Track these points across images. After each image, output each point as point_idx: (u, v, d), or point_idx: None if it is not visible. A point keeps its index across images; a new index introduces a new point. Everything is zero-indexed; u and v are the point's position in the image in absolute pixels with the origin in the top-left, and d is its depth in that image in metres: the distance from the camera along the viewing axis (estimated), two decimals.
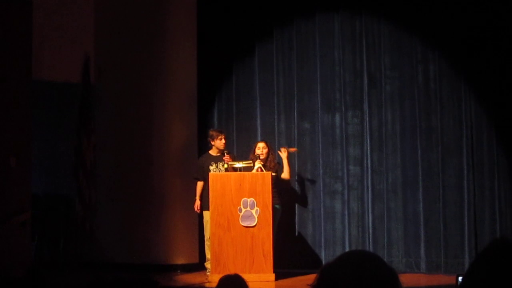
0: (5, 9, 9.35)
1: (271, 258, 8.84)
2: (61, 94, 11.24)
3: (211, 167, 9.49)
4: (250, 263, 8.85)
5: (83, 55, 10.76)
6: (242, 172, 9.35)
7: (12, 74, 9.41)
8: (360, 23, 10.21)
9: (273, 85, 10.55)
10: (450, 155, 9.74)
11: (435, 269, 9.66)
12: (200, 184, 9.56)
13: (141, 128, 10.59)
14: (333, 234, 10.17)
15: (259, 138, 10.15)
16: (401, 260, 9.80)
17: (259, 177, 9.04)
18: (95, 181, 10.66)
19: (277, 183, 9.48)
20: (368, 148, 10.09)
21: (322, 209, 10.19)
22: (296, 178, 10.29)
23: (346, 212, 10.11)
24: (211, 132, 9.70)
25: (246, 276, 4.61)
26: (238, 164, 9.58)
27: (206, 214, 9.30)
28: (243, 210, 8.91)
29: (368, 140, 10.09)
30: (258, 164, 9.34)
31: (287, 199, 9.93)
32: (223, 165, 9.48)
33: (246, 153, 9.87)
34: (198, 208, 9.51)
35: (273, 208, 9.06)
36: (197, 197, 9.53)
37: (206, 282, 9.07)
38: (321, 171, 10.23)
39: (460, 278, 4.16)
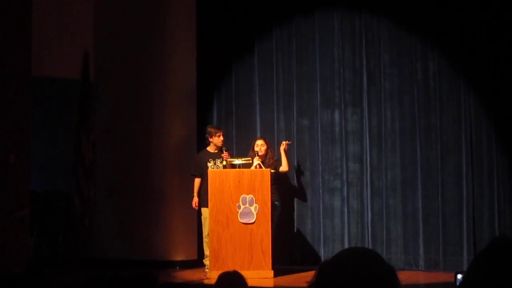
0: (5, 6, 9.35)
1: (270, 254, 8.85)
2: (61, 91, 11.24)
3: (209, 164, 9.49)
4: (249, 259, 8.86)
5: (82, 52, 10.75)
6: (241, 169, 9.35)
7: (12, 71, 9.41)
8: (359, 21, 10.21)
9: (273, 82, 10.55)
10: (449, 152, 9.75)
11: (434, 266, 9.66)
12: (197, 181, 9.56)
13: (141, 126, 10.60)
14: (332, 231, 10.17)
15: (258, 135, 10.15)
16: (400, 257, 9.81)
17: (258, 174, 9.04)
18: (94, 178, 10.66)
19: (277, 180, 9.49)
20: (367, 145, 10.09)
21: (321, 206, 10.20)
22: (295, 174, 10.29)
23: (345, 209, 10.11)
24: (209, 129, 9.70)
25: (244, 273, 4.62)
26: (237, 161, 9.59)
27: (205, 211, 9.30)
28: (242, 207, 8.92)
29: (368, 137, 10.09)
30: (256, 161, 9.35)
31: (286, 196, 9.93)
32: (221, 162, 9.49)
33: (246, 150, 9.88)
34: (196, 204, 9.51)
35: (273, 205, 9.06)
36: (195, 194, 9.53)
37: (205, 279, 9.07)
38: (320, 168, 10.24)
39: (459, 276, 4.16)
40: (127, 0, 10.86)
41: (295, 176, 10.29)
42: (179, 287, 9.04)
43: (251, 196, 8.92)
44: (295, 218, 10.36)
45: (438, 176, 9.72)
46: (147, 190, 10.48)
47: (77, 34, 10.77)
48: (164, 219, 10.44)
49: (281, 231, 9.69)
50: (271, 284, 8.69)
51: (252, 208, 8.91)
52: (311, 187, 10.31)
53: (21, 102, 9.53)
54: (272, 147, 9.78)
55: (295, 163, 10.30)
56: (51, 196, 11.12)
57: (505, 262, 2.24)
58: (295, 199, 10.34)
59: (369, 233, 10.00)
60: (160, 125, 10.56)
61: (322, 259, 10.02)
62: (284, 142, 9.76)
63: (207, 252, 9.30)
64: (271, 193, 9.01)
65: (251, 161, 9.42)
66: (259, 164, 9.31)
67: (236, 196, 8.93)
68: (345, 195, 10.12)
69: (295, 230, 10.36)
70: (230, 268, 7.70)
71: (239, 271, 4.56)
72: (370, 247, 9.75)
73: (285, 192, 9.90)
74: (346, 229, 10.11)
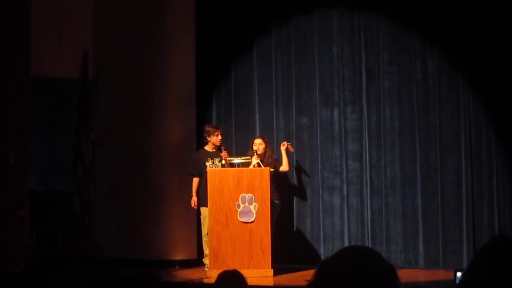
0: (4, 6, 9.35)
1: (270, 253, 8.85)
2: (60, 91, 11.25)
3: (207, 163, 9.50)
4: (249, 258, 8.86)
5: (82, 52, 10.75)
6: (240, 168, 9.35)
7: (11, 71, 9.42)
8: (358, 20, 10.20)
9: (272, 81, 10.55)
10: (448, 150, 9.75)
11: (434, 264, 9.66)
12: (196, 180, 9.56)
13: (140, 125, 10.60)
14: (332, 229, 10.17)
15: (257, 134, 10.14)
16: (400, 256, 9.81)
17: (258, 172, 9.04)
18: (94, 177, 10.66)
19: (276, 179, 9.49)
20: (367, 143, 10.09)
21: (320, 204, 10.20)
22: (295, 173, 10.29)
23: (345, 208, 10.11)
24: (207, 128, 9.69)
25: (244, 272, 4.62)
26: (236, 160, 9.59)
27: (204, 210, 9.30)
28: (242, 205, 8.92)
29: (367, 135, 10.09)
30: (255, 160, 9.35)
31: (285, 194, 9.93)
32: (219, 161, 9.48)
33: (245, 149, 9.88)
34: (195, 204, 9.50)
35: (273, 203, 9.07)
36: (194, 193, 9.52)
37: (204, 278, 9.08)
38: (320, 167, 10.24)
39: (458, 274, 4.17)
40: (127, 0, 10.86)
41: (294, 174, 10.28)
42: (179, 287, 9.05)
43: (251, 195, 8.92)
44: (294, 216, 10.36)
45: (438, 174, 9.72)
46: (147, 189, 10.49)
47: (77, 34, 10.77)
48: (163, 218, 10.44)
49: (281, 229, 9.69)
50: (271, 283, 8.69)
51: (252, 207, 8.91)
52: (310, 185, 10.31)
53: (21, 102, 9.53)
54: (272, 146, 9.78)
55: (295, 162, 10.30)
56: (51, 196, 11.12)
57: (504, 261, 2.24)
58: (295, 198, 10.34)
59: (369, 232, 10.00)
60: (160, 125, 10.56)
61: (322, 257, 10.02)
62: (285, 143, 9.72)
63: (206, 251, 9.30)
64: (271, 192, 9.01)
65: (250, 160, 9.42)
66: (258, 163, 9.31)
67: (236, 195, 8.93)
68: (345, 193, 10.12)
69: (294, 229, 10.36)
70: (229, 267, 7.70)
71: (239, 270, 4.56)
72: (370, 245, 9.75)
73: (285, 191, 9.90)
74: (346, 227, 10.11)
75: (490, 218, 9.55)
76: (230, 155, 9.71)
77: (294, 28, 10.51)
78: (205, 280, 8.92)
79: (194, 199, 9.50)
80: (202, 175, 9.40)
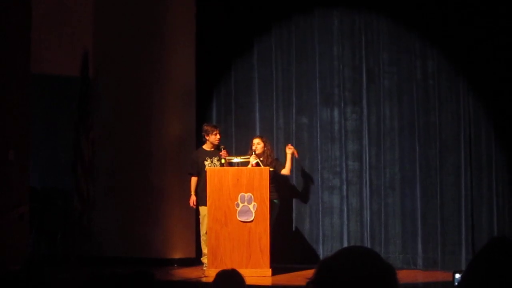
0: (5, 4, 9.35)
1: (268, 253, 8.85)
2: (60, 89, 11.25)
3: (205, 162, 9.50)
4: (247, 258, 8.86)
5: (82, 50, 10.75)
6: (239, 167, 9.35)
7: (11, 69, 9.42)
8: (359, 19, 10.21)
9: (272, 80, 10.55)
10: (448, 151, 9.75)
11: (432, 265, 9.66)
12: (194, 180, 9.56)
13: (139, 123, 10.61)
14: (331, 229, 10.18)
15: (257, 134, 10.15)
16: (398, 256, 9.81)
17: (257, 172, 9.04)
18: (93, 176, 10.66)
19: (275, 179, 9.48)
20: (367, 143, 10.09)
21: (320, 204, 10.20)
22: (294, 173, 10.29)
23: (344, 208, 10.11)
24: (205, 127, 9.69)
25: (243, 271, 4.63)
26: (235, 159, 9.60)
27: (203, 209, 9.30)
28: (241, 205, 8.92)
29: (367, 135, 10.09)
30: (253, 159, 9.35)
31: (285, 194, 9.93)
32: (217, 160, 9.49)
33: (245, 148, 9.89)
34: (194, 203, 9.51)
35: (272, 203, 9.07)
36: (192, 193, 9.52)
37: (203, 277, 9.08)
38: (319, 167, 10.24)
39: (457, 275, 4.17)
40: (127, 0, 10.88)
41: (294, 174, 10.28)
42: (177, 285, 9.05)
43: (250, 194, 8.92)
44: (293, 216, 10.36)
45: (437, 174, 9.72)
46: (146, 187, 10.49)
47: (77, 32, 10.77)
48: (162, 217, 10.45)
49: (280, 229, 9.68)
50: (269, 283, 8.69)
51: (251, 207, 8.91)
52: (310, 185, 10.31)
53: (21, 100, 9.53)
54: (271, 146, 9.78)
55: (294, 161, 10.28)
56: (50, 194, 11.12)
57: (503, 262, 2.25)
58: (294, 198, 10.35)
59: (368, 232, 10.00)
60: (159, 124, 10.57)
61: (321, 257, 10.02)
62: (292, 147, 9.67)
63: (205, 250, 9.31)
64: (270, 191, 9.01)
65: (249, 160, 9.43)
66: (257, 163, 9.31)
67: (235, 194, 8.93)
68: (345, 193, 10.12)
69: (293, 229, 10.36)
70: (228, 266, 7.72)
71: (237, 269, 4.56)
72: (369, 245, 9.76)
73: (284, 191, 9.90)
74: (345, 227, 10.11)
75: (489, 219, 9.55)
76: (230, 154, 9.72)
77: (294, 28, 10.51)
78: (204, 279, 8.92)
79: (193, 198, 9.50)
80: (201, 174, 9.41)
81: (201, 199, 9.31)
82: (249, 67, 10.70)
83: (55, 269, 9.32)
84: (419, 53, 9.92)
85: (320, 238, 10.19)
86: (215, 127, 9.72)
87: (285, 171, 9.62)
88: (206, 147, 9.64)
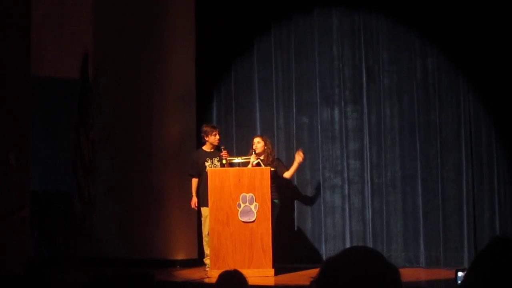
0: (4, 6, 9.35)
1: (270, 253, 8.84)
2: (60, 91, 11.25)
3: (206, 163, 9.48)
4: (249, 258, 8.85)
5: (81, 51, 10.75)
6: (241, 167, 9.34)
7: (11, 71, 9.42)
8: (358, 19, 10.20)
9: (272, 80, 10.55)
10: (448, 149, 9.74)
11: (434, 263, 9.65)
12: (195, 181, 9.54)
13: (140, 124, 10.60)
14: (333, 228, 10.17)
15: (258, 134, 10.13)
16: (400, 254, 9.80)
17: (258, 172, 9.03)
18: (94, 177, 10.66)
19: (276, 178, 9.47)
20: (367, 142, 10.08)
21: (322, 203, 10.19)
22: (296, 172, 10.27)
23: (346, 207, 10.10)
24: (205, 128, 9.67)
25: (245, 271, 4.63)
26: (236, 160, 9.59)
27: (204, 210, 9.29)
28: (242, 205, 8.91)
29: (367, 134, 10.09)
30: (253, 159, 9.34)
31: (286, 193, 9.92)
32: (218, 161, 9.48)
33: (246, 148, 9.88)
34: (195, 205, 9.49)
35: (272, 203, 9.05)
36: (193, 194, 9.50)
37: (205, 278, 9.07)
38: (320, 166, 10.23)
39: (459, 273, 4.16)
40: (127, 0, 10.86)
41: (295, 174, 10.26)
42: (180, 286, 9.05)
43: (251, 194, 8.91)
44: (295, 216, 10.36)
45: (438, 173, 9.71)
46: (147, 188, 10.49)
47: (77, 34, 10.77)
48: (164, 218, 10.44)
49: (282, 229, 9.67)
50: (272, 283, 8.68)
51: (252, 207, 8.90)
52: (311, 184, 10.31)
53: (21, 102, 9.54)
54: (272, 145, 9.76)
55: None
56: (51, 196, 11.12)
57: (505, 262, 2.24)
58: (296, 197, 10.34)
59: (370, 230, 9.99)
60: (159, 124, 10.56)
61: (323, 257, 10.03)
62: (302, 154, 9.66)
63: (207, 251, 9.30)
64: (271, 191, 8.99)
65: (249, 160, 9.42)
66: (258, 162, 9.30)
67: (236, 194, 8.92)
68: (346, 192, 10.12)
69: (295, 228, 10.35)
70: (230, 266, 7.70)
71: (240, 269, 4.56)
72: (371, 244, 9.77)
73: (286, 190, 9.88)
74: (347, 226, 10.10)
75: (491, 216, 9.54)
76: (231, 154, 9.71)
77: (294, 27, 10.51)
78: (206, 280, 8.91)
79: (194, 199, 9.49)
80: (202, 176, 9.39)
81: (203, 200, 9.29)
82: (249, 67, 10.69)
83: (56, 270, 9.31)
84: (419, 52, 9.91)
85: (323, 237, 10.18)
86: (214, 127, 9.71)
87: (287, 175, 9.61)
88: (206, 148, 9.63)
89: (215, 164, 9.48)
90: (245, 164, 9.47)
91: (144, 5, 10.69)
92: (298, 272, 9.22)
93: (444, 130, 9.76)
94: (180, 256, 10.40)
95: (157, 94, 10.57)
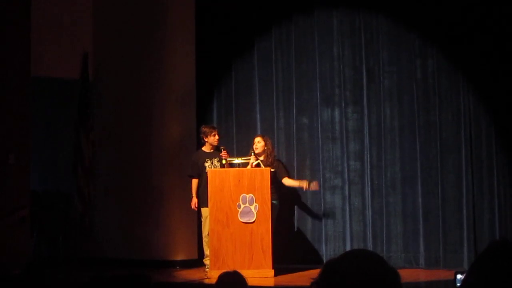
0: (4, 6, 9.35)
1: (270, 254, 8.84)
2: (60, 91, 11.24)
3: (206, 164, 9.48)
4: (249, 259, 8.85)
5: (81, 52, 10.75)
6: (241, 168, 9.34)
7: (11, 71, 9.41)
8: (358, 19, 10.19)
9: (272, 81, 10.54)
10: (449, 150, 9.74)
11: (434, 264, 9.65)
12: (195, 182, 9.53)
13: (140, 125, 10.60)
14: (334, 229, 10.16)
15: (258, 134, 10.12)
16: (400, 255, 9.80)
17: (258, 173, 9.03)
18: (94, 178, 10.66)
19: (276, 179, 9.46)
20: (368, 143, 10.08)
21: (322, 204, 10.19)
22: (296, 173, 10.28)
23: (346, 208, 10.10)
24: (203, 129, 9.66)
25: (245, 272, 4.62)
26: (236, 160, 9.58)
27: (204, 211, 9.29)
28: (242, 206, 8.91)
29: (368, 135, 10.08)
30: (252, 160, 9.33)
31: (286, 194, 9.91)
32: (218, 161, 9.47)
33: (246, 149, 9.87)
34: (196, 205, 9.48)
35: (271, 204, 9.05)
36: (194, 195, 9.49)
37: (205, 278, 9.07)
38: (321, 167, 10.23)
39: (458, 276, 4.15)
40: (127, 0, 10.85)
41: (295, 174, 10.26)
42: (179, 287, 9.04)
43: (251, 195, 8.91)
44: (295, 216, 10.35)
45: (438, 173, 9.71)
46: (147, 189, 10.48)
47: (76, 34, 10.77)
48: (164, 218, 10.43)
49: (282, 230, 9.68)
50: (272, 283, 8.68)
51: (252, 207, 8.90)
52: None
53: (21, 102, 9.53)
54: (272, 145, 9.75)
55: (295, 161, 10.28)
56: (51, 196, 11.12)
57: (505, 265, 2.24)
58: (296, 198, 10.33)
59: (370, 231, 9.99)
60: (160, 125, 10.56)
61: (324, 258, 10.03)
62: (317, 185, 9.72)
63: (207, 251, 9.29)
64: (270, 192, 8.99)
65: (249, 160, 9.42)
66: (257, 163, 9.30)
67: (236, 195, 8.92)
68: (347, 193, 10.11)
69: (296, 229, 10.35)
70: (230, 267, 7.70)
71: (240, 270, 4.56)
72: (371, 245, 9.77)
73: (286, 191, 9.87)
74: (347, 227, 10.09)
75: (490, 217, 9.54)
76: (231, 155, 9.70)
77: (294, 28, 10.50)
78: (206, 281, 8.91)
79: (194, 200, 9.48)
80: (202, 176, 9.39)
81: (203, 201, 9.29)
82: (249, 68, 10.69)
83: (56, 271, 9.32)
84: (418, 52, 9.91)
85: (323, 238, 10.17)
86: (213, 128, 9.71)
87: (286, 182, 9.61)
88: (206, 148, 9.62)
89: (215, 165, 9.47)
90: (245, 164, 9.47)
91: (144, 5, 10.69)
92: (298, 273, 9.22)
93: (444, 130, 9.77)
94: (180, 257, 10.39)
95: (157, 94, 10.57)
